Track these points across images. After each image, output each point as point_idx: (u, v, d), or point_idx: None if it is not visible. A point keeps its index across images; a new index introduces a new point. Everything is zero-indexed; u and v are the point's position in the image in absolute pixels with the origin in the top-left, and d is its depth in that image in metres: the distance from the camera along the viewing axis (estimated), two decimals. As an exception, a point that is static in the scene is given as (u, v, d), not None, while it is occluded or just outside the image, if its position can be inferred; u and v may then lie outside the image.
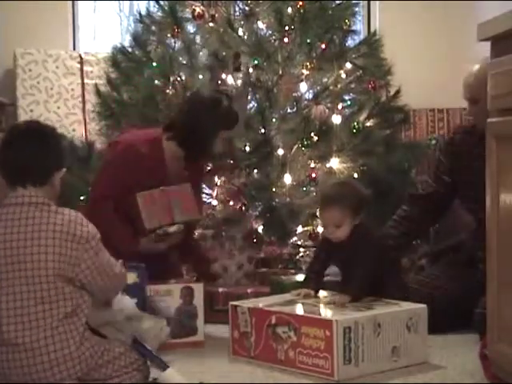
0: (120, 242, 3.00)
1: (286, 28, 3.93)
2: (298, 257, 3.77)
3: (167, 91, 3.95)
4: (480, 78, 3.06)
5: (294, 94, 4.01)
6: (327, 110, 3.92)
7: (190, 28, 4.11)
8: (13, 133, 2.34)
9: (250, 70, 3.94)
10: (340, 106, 4.06)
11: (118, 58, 4.11)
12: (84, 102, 5.07)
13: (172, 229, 3.15)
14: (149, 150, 3.18)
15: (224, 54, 3.95)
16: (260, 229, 3.83)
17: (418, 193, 3.43)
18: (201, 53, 4.10)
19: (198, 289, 3.00)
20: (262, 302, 2.84)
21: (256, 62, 3.88)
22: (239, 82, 4.01)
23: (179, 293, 2.97)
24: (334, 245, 2.95)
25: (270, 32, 4.04)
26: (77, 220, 2.25)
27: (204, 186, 3.95)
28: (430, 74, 5.19)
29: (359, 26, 4.89)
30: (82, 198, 3.74)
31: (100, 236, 2.31)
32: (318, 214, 3.52)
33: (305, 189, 3.85)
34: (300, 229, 3.91)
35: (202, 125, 3.18)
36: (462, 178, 3.26)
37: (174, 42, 4.04)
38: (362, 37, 4.54)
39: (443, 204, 3.43)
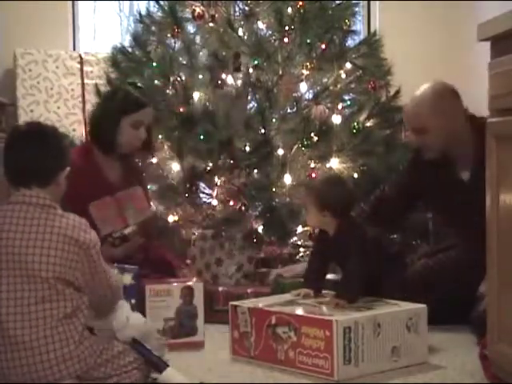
0: None
1: (286, 28, 3.93)
2: (297, 257, 3.77)
3: (167, 91, 3.96)
4: (425, 105, 3.13)
5: (294, 94, 4.01)
6: (327, 110, 3.92)
7: (190, 28, 4.11)
8: (14, 135, 2.35)
9: (250, 70, 3.94)
10: (340, 106, 4.06)
11: (118, 58, 4.11)
12: (84, 101, 5.07)
13: (127, 230, 3.23)
14: (82, 161, 3.23)
15: (224, 54, 3.95)
16: (260, 229, 3.83)
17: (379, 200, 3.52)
18: (201, 53, 4.10)
19: (198, 288, 3.00)
20: (261, 302, 2.84)
21: (256, 62, 3.88)
22: (239, 82, 4.01)
23: (179, 293, 2.98)
24: (327, 243, 2.95)
25: (270, 32, 4.04)
26: (80, 226, 2.26)
27: (204, 185, 3.96)
28: (429, 74, 5.18)
29: (359, 26, 4.88)
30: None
31: (100, 245, 2.32)
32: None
33: (305, 189, 3.85)
34: (300, 229, 3.91)
35: (100, 116, 3.35)
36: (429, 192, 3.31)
37: (174, 42, 4.04)
38: (362, 37, 4.54)
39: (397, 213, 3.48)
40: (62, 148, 2.36)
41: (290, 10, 3.99)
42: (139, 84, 3.71)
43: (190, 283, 3.01)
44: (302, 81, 3.99)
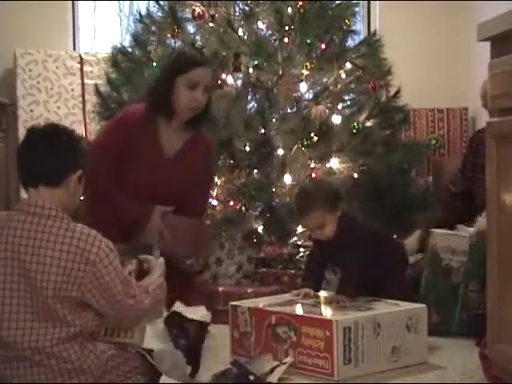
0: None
1: (286, 28, 3.93)
2: (297, 257, 3.77)
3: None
4: None
5: (294, 94, 4.02)
6: (327, 110, 3.92)
7: (190, 28, 4.11)
8: (27, 135, 2.30)
9: (250, 70, 3.94)
10: (340, 106, 4.06)
11: (118, 58, 4.11)
12: (84, 102, 5.07)
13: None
14: (141, 119, 3.24)
15: (224, 54, 3.95)
16: (260, 229, 3.83)
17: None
18: (201, 53, 4.10)
19: None
20: (261, 302, 2.85)
21: (256, 62, 3.88)
22: (239, 82, 4.01)
23: None
24: (324, 242, 2.95)
25: (270, 32, 4.04)
26: (87, 239, 2.16)
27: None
28: (430, 74, 5.19)
29: (359, 26, 4.88)
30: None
31: (115, 254, 2.21)
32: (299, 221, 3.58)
33: (305, 189, 3.84)
34: (300, 229, 3.90)
35: (156, 78, 3.42)
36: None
37: (174, 42, 4.04)
38: (362, 37, 4.54)
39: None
40: (73, 150, 2.27)
41: (290, 9, 3.99)
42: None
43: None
44: (302, 81, 3.99)
